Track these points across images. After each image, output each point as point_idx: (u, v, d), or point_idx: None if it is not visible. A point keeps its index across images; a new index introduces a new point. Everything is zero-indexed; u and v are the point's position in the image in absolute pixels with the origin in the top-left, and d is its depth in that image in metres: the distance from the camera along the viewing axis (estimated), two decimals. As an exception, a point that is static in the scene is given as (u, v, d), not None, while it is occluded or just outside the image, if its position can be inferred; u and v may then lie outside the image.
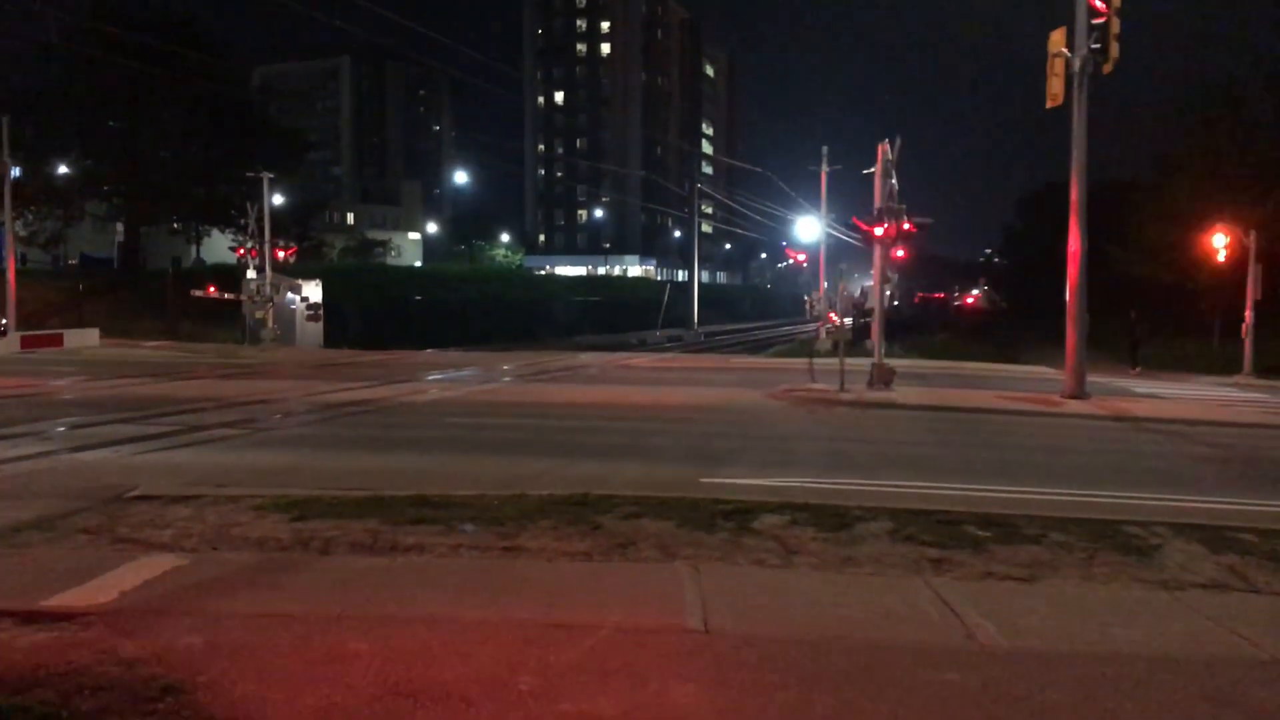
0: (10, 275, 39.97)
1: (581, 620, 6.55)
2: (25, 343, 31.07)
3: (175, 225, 67.45)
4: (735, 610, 6.87)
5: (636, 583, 7.54)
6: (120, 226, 65.64)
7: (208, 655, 5.86)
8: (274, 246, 44.23)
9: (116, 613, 6.58)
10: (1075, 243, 22.49)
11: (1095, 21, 21.42)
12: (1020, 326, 68.03)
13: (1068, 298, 22.76)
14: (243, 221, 47.39)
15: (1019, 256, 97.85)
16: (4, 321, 30.57)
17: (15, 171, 44.84)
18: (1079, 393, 22.59)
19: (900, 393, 23.54)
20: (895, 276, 26.96)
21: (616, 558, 8.25)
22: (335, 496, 10.34)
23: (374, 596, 7.09)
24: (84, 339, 33.55)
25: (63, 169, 58.98)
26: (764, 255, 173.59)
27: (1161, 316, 48.88)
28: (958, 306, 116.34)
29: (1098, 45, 21.43)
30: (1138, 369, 34.28)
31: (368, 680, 5.55)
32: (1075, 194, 22.54)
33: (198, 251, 76.72)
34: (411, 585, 7.39)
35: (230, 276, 46.04)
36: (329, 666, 5.74)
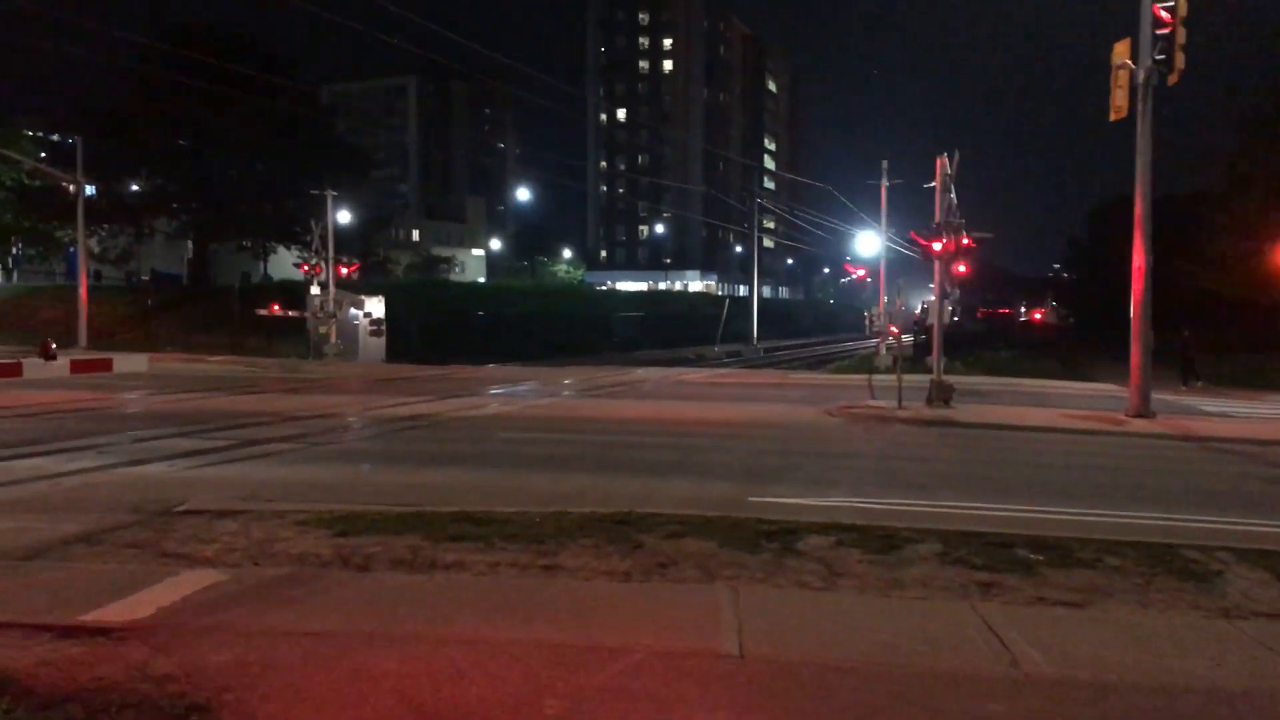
0: (81, 291, 40.94)
1: (614, 642, 6.44)
2: (75, 367, 31.70)
3: (245, 243, 68.69)
4: (772, 634, 6.72)
5: (673, 604, 7.42)
6: (190, 243, 67.03)
7: (236, 673, 5.84)
8: (338, 263, 44.80)
9: (152, 629, 6.60)
10: (1140, 257, 22.00)
11: (1160, 32, 20.97)
12: (1087, 342, 66.70)
13: (1132, 313, 22.26)
14: (307, 238, 48.03)
15: (1086, 271, 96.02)
16: (54, 347, 31.13)
17: (89, 190, 46.08)
18: (1144, 411, 22.04)
19: (959, 410, 23.14)
20: (956, 292, 26.55)
21: (656, 578, 8.13)
22: (379, 512, 10.35)
23: (408, 615, 7.04)
24: (133, 364, 34.08)
25: (134, 187, 60.46)
26: (826, 270, 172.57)
27: (1232, 331, 47.59)
28: (1023, 322, 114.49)
29: (1163, 56, 20.97)
30: (1186, 386, 33.36)
31: (393, 701, 5.50)
32: (1140, 208, 22.05)
33: (265, 268, 78.06)
34: (447, 603, 7.34)
35: (296, 292, 46.67)
36: (355, 686, 5.70)
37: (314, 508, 10.60)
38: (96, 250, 58.52)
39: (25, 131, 63.61)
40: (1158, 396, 23.81)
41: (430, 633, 6.63)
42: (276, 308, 43.56)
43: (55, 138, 63.16)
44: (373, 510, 10.46)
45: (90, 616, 6.83)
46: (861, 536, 9.50)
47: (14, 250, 71.19)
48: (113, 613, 6.91)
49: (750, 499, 12.03)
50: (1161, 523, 11.06)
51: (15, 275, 72.75)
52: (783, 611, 7.29)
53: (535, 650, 6.28)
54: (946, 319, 26.23)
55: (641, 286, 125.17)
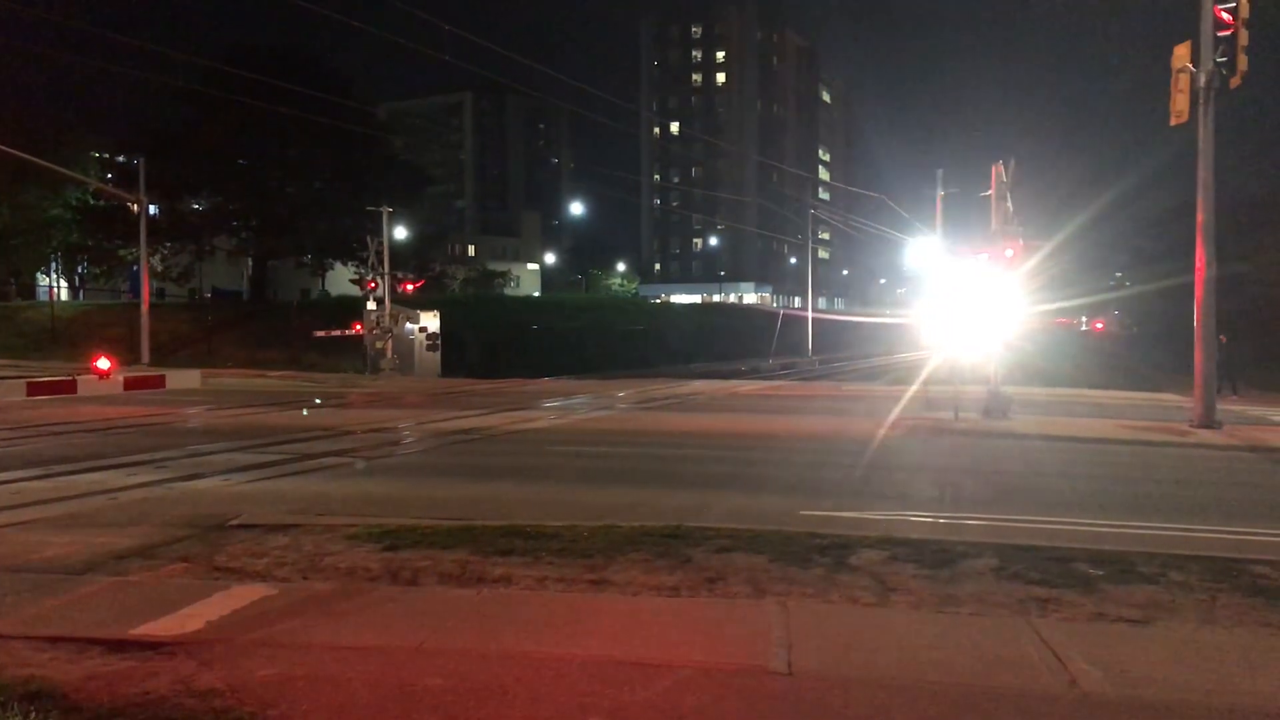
0: (144, 308, 41.70)
1: (660, 659, 6.36)
2: (128, 384, 32.23)
3: (306, 259, 69.57)
4: (822, 651, 6.59)
5: (722, 620, 7.32)
6: (249, 260, 68.14)
7: (282, 688, 5.84)
8: (394, 279, 45.19)
9: (200, 643, 6.64)
10: (1203, 264, 21.52)
11: (1221, 34, 20.52)
12: (1151, 352, 65.49)
13: (1195, 322, 21.77)
14: (364, 254, 48.57)
15: (1149, 279, 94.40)
16: (106, 366, 31.64)
17: (151, 209, 47.01)
18: (1209, 421, 21.50)
19: (1018, 421, 22.76)
20: (1013, 301, 26.09)
21: (704, 593, 8.03)
22: (429, 526, 10.35)
23: (455, 630, 7.01)
24: (186, 380, 34.60)
25: (195, 205, 61.61)
26: (883, 281, 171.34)
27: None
28: (1084, 331, 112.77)
29: (1224, 59, 20.51)
30: (1234, 394, 32.38)
31: (436, 718, 5.46)
32: (1202, 215, 21.58)
33: (323, 283, 79.07)
34: (493, 619, 7.29)
35: (353, 308, 47.16)
36: (399, 703, 5.67)
37: (364, 521, 10.63)
38: (159, 268, 59.66)
39: (91, 153, 65.12)
40: (1227, 406, 23.21)
41: (476, 648, 6.59)
42: (336, 331, 43.96)
43: (120, 158, 64.62)
44: (422, 524, 10.46)
45: (140, 630, 6.88)
46: (915, 551, 9.33)
47: (80, 268, 72.86)
48: (162, 627, 6.96)
49: (802, 512, 11.86)
50: (1228, 537, 10.72)
51: (81, 293, 74.41)
52: (834, 628, 7.16)
53: (580, 666, 6.22)
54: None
55: (695, 299, 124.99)
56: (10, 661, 6.25)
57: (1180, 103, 21.11)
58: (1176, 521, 11.64)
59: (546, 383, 40.52)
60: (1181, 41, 21.16)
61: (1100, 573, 8.62)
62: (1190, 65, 20.96)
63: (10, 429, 21.01)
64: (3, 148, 35.73)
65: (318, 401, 29.23)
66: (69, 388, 30.31)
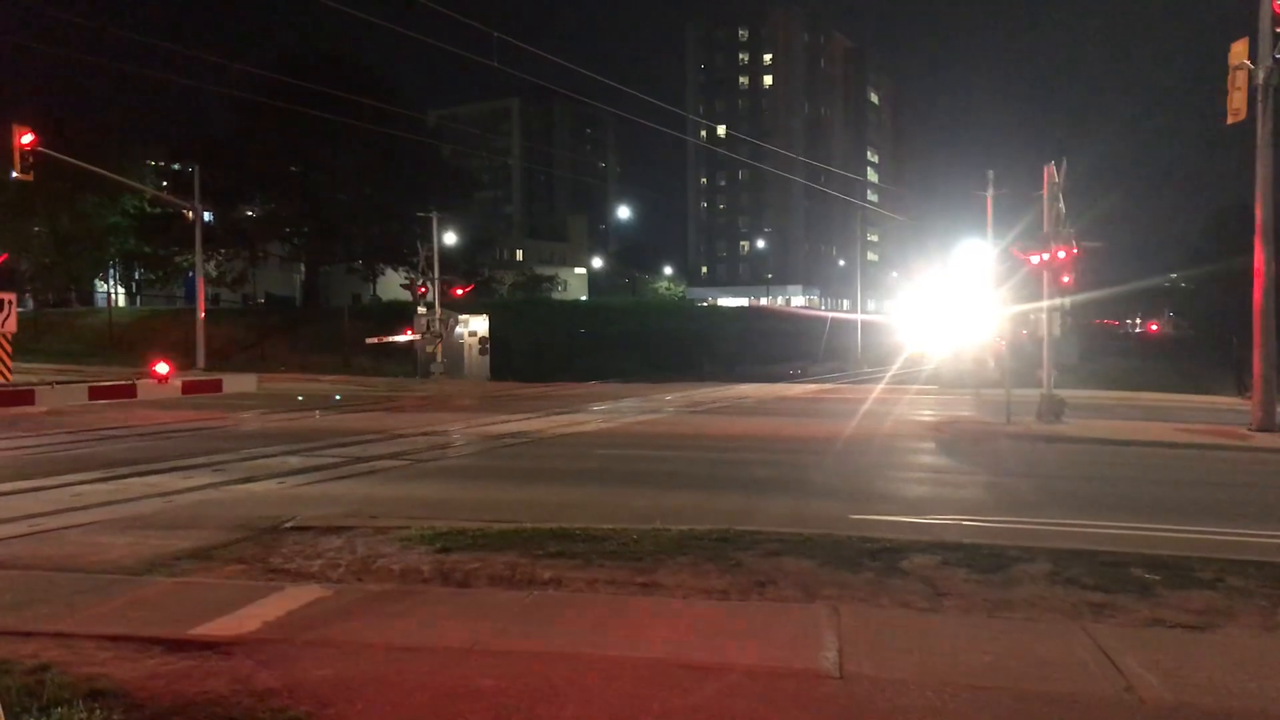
0: (200, 314, 42.36)
1: (711, 661, 6.37)
2: (186, 388, 32.79)
3: (357, 264, 70.30)
4: (873, 655, 6.57)
5: (772, 624, 7.31)
6: (302, 266, 68.91)
7: (337, 688, 5.92)
8: (444, 283, 45.54)
9: (257, 643, 6.74)
10: (1261, 264, 21.13)
11: (1280, 30, 20.18)
12: (1208, 354, 64.34)
13: (1254, 325, 21.38)
14: (414, 259, 49.00)
15: (1205, 280, 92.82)
16: (164, 370, 32.14)
17: (206, 216, 47.79)
18: (1268, 424, 21.10)
19: (1070, 425, 22.48)
20: (1066, 303, 25.80)
21: (754, 597, 8.03)
22: (479, 529, 10.43)
23: (506, 631, 7.06)
24: (243, 384, 35.10)
25: (248, 212, 62.51)
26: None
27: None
28: (1139, 334, 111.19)
29: (1283, 55, 20.16)
30: (1241, 396, 31.71)
31: (489, 719, 5.51)
32: (1260, 213, 21.20)
33: (374, 289, 79.83)
34: (544, 620, 7.35)
35: (403, 313, 47.58)
36: (453, 703, 5.72)
37: (416, 524, 10.73)
38: (214, 274, 60.57)
39: (147, 161, 66.28)
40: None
41: (527, 649, 6.64)
42: (385, 337, 44.34)
43: (175, 167, 65.71)
44: (473, 527, 10.55)
45: (199, 630, 7.01)
46: (967, 555, 9.25)
47: (136, 275, 74.19)
48: (220, 627, 7.08)
49: (852, 516, 11.82)
50: (1288, 542, 10.53)
51: (138, 299, 75.74)
52: (884, 632, 7.12)
53: (631, 668, 6.24)
54: (1056, 331, 25.48)
55: (743, 302, 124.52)
56: (74, 660, 6.39)
57: (1237, 100, 20.76)
58: (1235, 526, 11.45)
59: (595, 386, 40.63)
60: (1239, 38, 20.83)
61: (1157, 578, 8.50)
62: (1248, 62, 20.62)
63: (72, 432, 21.45)
64: (63, 157, 36.46)
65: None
66: (129, 392, 30.88)
